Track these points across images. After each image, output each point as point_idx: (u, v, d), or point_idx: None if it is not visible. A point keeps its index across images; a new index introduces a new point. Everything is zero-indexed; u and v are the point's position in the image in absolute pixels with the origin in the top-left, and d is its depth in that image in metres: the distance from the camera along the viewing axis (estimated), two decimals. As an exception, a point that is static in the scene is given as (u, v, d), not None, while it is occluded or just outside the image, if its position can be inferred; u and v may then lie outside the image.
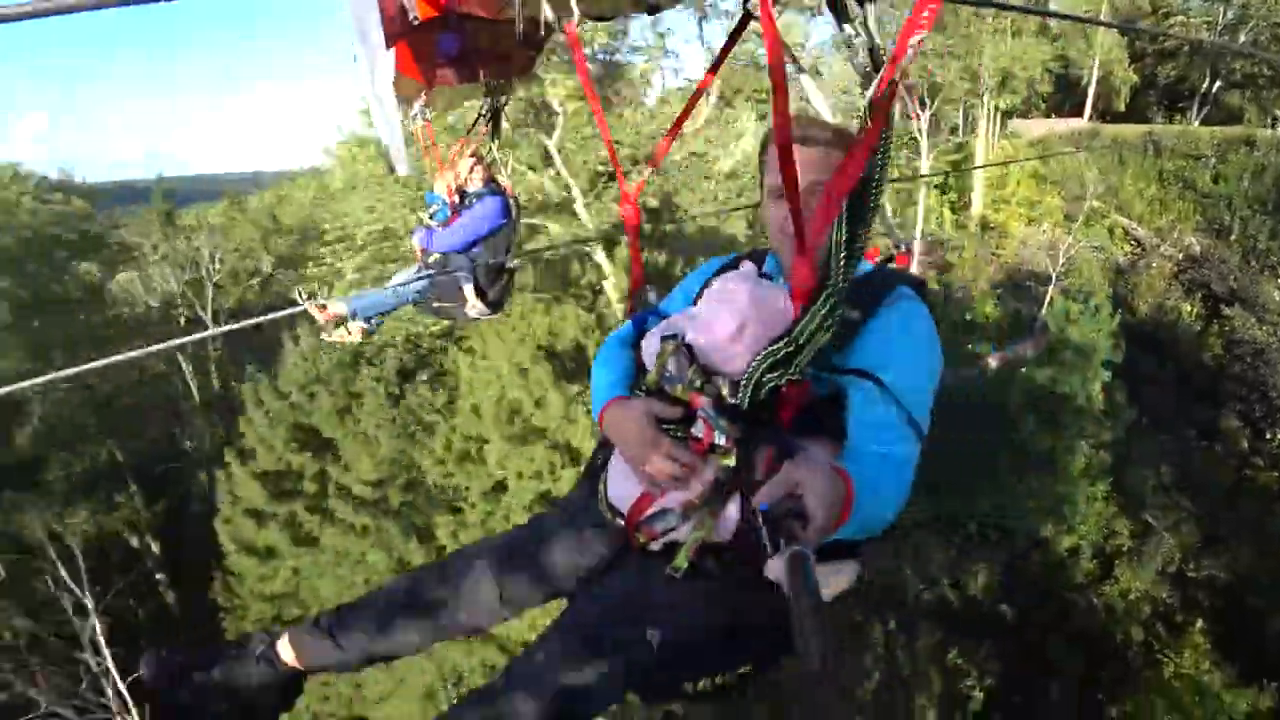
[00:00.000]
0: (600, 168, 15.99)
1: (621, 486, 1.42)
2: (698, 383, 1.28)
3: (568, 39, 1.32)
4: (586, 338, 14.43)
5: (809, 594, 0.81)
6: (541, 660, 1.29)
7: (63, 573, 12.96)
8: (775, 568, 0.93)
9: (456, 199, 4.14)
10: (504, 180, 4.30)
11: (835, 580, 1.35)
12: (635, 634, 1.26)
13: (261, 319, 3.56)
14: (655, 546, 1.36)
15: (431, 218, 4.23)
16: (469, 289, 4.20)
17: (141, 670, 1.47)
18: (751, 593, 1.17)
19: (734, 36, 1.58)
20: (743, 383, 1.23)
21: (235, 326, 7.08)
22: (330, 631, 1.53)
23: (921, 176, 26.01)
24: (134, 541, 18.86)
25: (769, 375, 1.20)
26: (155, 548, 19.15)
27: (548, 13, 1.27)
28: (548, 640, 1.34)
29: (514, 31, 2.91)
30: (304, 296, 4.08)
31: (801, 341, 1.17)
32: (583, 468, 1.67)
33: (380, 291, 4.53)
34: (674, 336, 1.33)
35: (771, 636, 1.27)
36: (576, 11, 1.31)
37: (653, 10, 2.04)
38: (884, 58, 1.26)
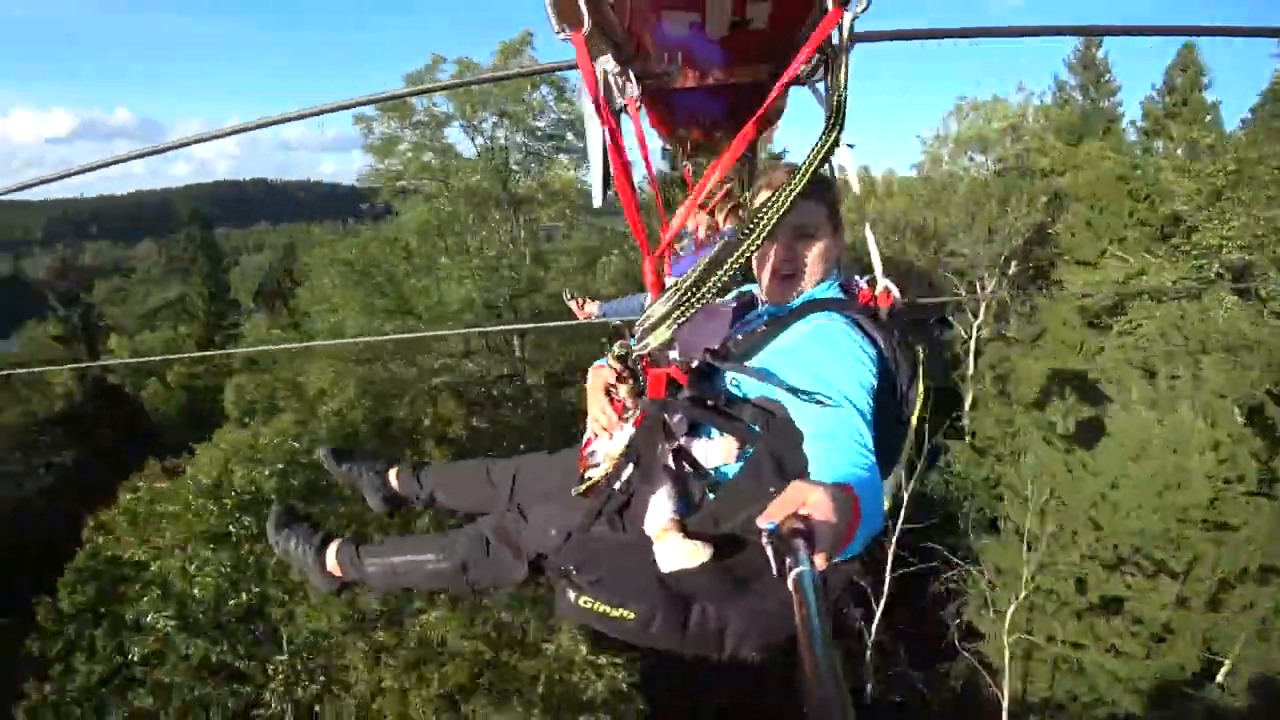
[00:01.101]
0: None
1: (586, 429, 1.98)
2: (620, 353, 1.81)
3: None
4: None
5: (816, 622, 0.73)
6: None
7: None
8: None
9: (702, 235, 4.62)
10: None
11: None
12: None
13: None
14: (585, 477, 1.85)
15: (682, 249, 4.80)
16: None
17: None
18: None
19: (770, 100, 1.72)
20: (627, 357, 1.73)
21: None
22: (416, 474, 2.48)
23: None
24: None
25: (636, 348, 1.59)
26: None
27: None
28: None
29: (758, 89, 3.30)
30: (569, 295, 5.09)
31: (652, 322, 1.50)
32: None
33: (629, 302, 5.30)
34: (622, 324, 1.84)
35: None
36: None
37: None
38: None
